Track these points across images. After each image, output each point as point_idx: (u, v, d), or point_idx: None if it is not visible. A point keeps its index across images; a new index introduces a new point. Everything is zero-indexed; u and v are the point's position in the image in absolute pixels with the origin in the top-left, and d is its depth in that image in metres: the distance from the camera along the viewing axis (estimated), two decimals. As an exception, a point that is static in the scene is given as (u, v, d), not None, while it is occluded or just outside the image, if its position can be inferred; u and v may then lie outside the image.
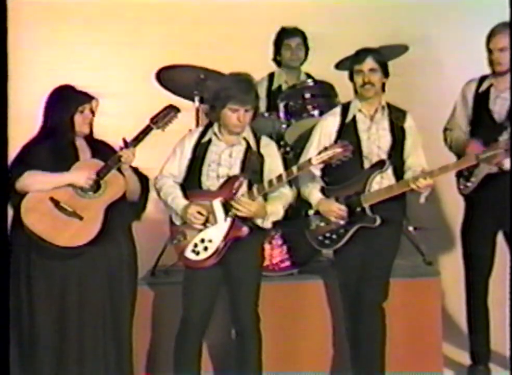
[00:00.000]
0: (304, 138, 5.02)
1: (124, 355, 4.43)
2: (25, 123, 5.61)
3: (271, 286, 4.69)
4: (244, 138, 4.39)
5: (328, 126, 4.58)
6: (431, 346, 4.74)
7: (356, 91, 4.53)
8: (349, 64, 4.58)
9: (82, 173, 4.34)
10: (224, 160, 4.37)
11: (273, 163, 4.43)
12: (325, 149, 4.28)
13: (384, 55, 4.60)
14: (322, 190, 4.56)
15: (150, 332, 4.79)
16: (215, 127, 4.36)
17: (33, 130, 5.50)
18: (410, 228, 5.26)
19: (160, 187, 4.38)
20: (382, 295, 4.46)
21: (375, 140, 4.52)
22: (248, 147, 4.40)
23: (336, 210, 4.45)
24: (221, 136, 4.35)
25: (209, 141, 4.39)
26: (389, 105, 4.60)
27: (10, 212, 4.26)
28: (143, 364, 4.80)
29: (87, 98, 4.41)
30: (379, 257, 4.51)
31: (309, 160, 4.27)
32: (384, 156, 4.49)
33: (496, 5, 5.54)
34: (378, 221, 4.41)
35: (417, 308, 4.73)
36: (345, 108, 4.59)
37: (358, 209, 4.47)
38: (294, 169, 4.27)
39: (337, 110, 4.60)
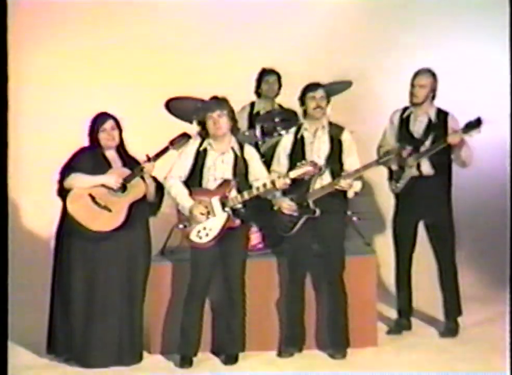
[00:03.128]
0: (271, 150, 5.59)
1: (136, 314, 5.07)
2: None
3: (250, 261, 5.18)
4: (232, 148, 5.00)
5: (285, 142, 5.21)
6: (368, 305, 5.29)
7: (304, 114, 5.12)
8: (301, 94, 5.13)
9: (113, 177, 4.99)
10: (218, 165, 4.98)
11: (255, 168, 5.03)
12: (301, 165, 4.83)
13: (327, 88, 5.16)
14: (284, 191, 5.07)
15: (159, 297, 5.28)
16: (210, 140, 4.98)
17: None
18: (354, 218, 5.81)
19: (170, 186, 4.99)
20: (340, 267, 5.06)
21: (316, 151, 5.08)
22: (235, 154, 4.98)
23: (286, 206, 5.06)
24: (214, 146, 4.98)
25: (205, 150, 4.99)
26: (331, 123, 5.14)
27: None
28: (155, 323, 5.32)
29: (106, 117, 5.04)
30: (328, 239, 5.08)
31: (288, 174, 4.87)
32: (322, 163, 5.00)
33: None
34: (318, 212, 4.99)
35: (358, 278, 5.23)
36: (299, 128, 5.19)
37: (305, 204, 5.05)
38: (276, 179, 4.87)
39: (293, 129, 5.23)
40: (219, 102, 5.00)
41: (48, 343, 5.17)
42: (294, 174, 4.87)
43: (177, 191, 5.02)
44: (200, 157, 5.01)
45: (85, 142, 5.14)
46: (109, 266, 5.02)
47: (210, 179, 5.02)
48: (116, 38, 6.87)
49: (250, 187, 5.00)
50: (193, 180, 5.04)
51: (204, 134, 5.07)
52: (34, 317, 5.68)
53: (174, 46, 6.80)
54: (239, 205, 4.99)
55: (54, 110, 7.02)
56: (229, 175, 4.99)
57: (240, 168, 5.01)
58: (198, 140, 5.04)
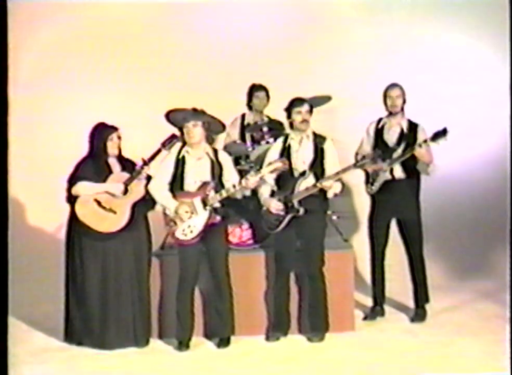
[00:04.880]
0: (260, 157, 5.80)
1: (144, 301, 5.40)
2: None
3: (241, 255, 5.56)
4: (207, 153, 5.26)
5: (274, 149, 5.48)
6: (346, 295, 5.56)
7: (291, 125, 5.35)
8: (287, 107, 5.37)
9: (116, 185, 5.24)
10: (196, 170, 5.24)
11: (229, 170, 5.28)
12: (270, 164, 5.13)
13: (311, 102, 5.40)
14: (272, 193, 5.34)
15: (155, 288, 5.52)
16: (186, 147, 5.24)
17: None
18: (334, 217, 6.09)
19: (154, 194, 5.25)
20: (320, 262, 5.30)
21: (301, 158, 5.33)
22: (211, 159, 5.23)
23: (274, 205, 5.29)
24: (191, 153, 5.24)
25: (184, 157, 5.24)
26: (315, 133, 5.37)
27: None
28: (155, 308, 5.60)
29: (113, 129, 5.33)
30: (310, 236, 5.28)
31: (259, 171, 5.13)
32: (306, 168, 5.27)
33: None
34: (301, 211, 5.21)
35: (338, 271, 5.49)
36: (286, 137, 5.45)
37: (290, 204, 5.28)
38: (249, 177, 5.11)
39: (282, 138, 5.50)
40: (196, 113, 5.20)
41: (66, 330, 5.46)
42: (265, 170, 5.16)
43: (161, 196, 5.30)
44: (180, 164, 5.27)
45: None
46: (118, 261, 5.29)
47: (191, 182, 5.28)
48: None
49: (224, 187, 5.24)
50: (176, 184, 5.30)
51: (182, 140, 5.34)
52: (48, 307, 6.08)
53: (171, 57, 7.25)
54: (218, 204, 5.26)
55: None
56: (207, 177, 5.25)
57: (217, 171, 5.26)
58: (176, 149, 5.29)
